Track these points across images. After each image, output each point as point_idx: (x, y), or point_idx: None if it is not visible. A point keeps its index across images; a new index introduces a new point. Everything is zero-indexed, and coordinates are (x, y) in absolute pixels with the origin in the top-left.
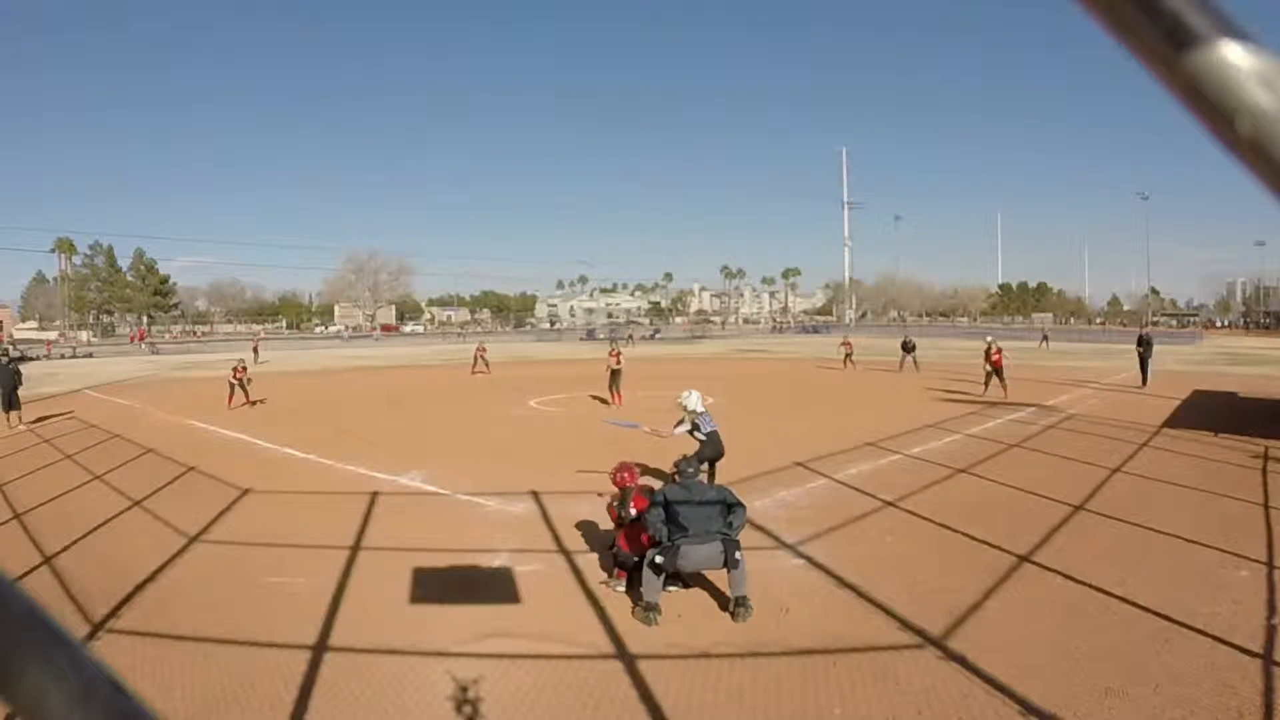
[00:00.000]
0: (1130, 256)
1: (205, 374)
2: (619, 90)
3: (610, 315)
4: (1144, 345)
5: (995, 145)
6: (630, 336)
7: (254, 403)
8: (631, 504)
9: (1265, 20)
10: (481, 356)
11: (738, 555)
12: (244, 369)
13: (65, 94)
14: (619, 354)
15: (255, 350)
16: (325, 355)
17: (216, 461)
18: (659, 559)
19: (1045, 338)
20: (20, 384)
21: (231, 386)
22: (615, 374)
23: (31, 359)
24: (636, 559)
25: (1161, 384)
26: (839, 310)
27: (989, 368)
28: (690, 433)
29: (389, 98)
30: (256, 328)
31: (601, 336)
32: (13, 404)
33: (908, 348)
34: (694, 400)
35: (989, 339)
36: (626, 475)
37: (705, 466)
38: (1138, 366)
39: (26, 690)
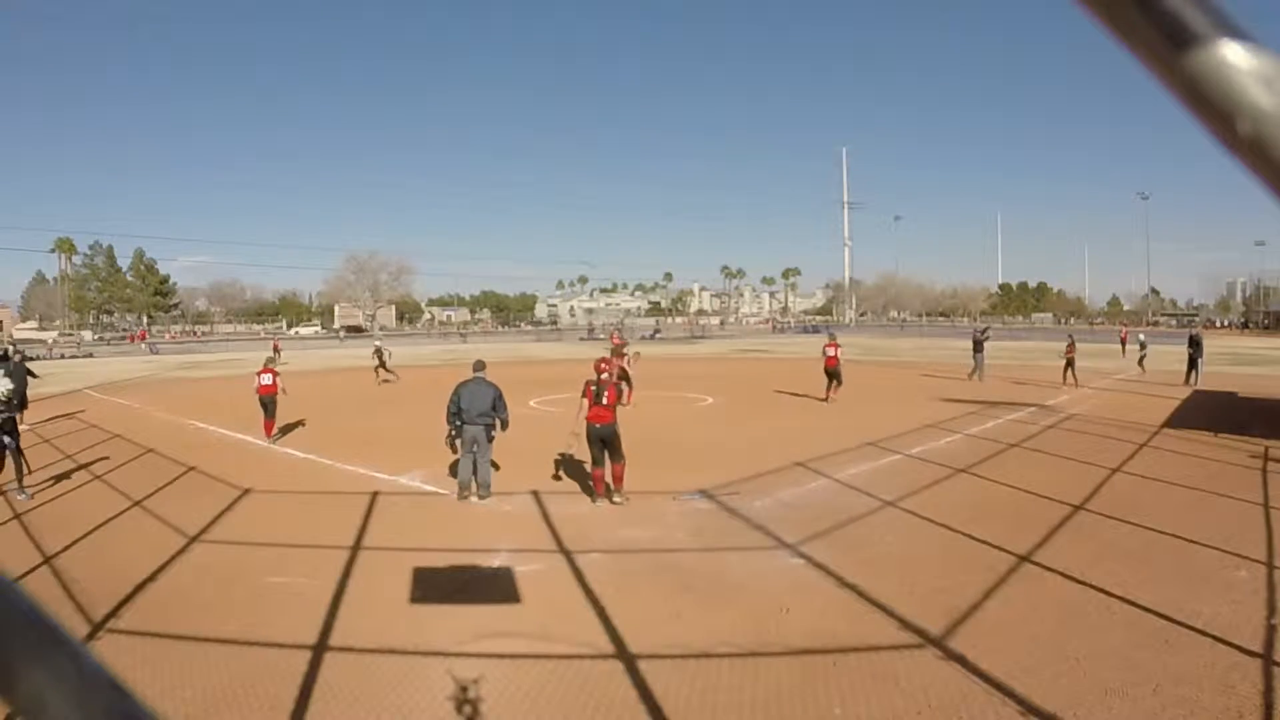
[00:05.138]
0: (1130, 256)
1: (205, 374)
2: (619, 90)
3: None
4: (1194, 345)
5: (995, 145)
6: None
7: (283, 429)
8: (605, 391)
9: (1265, 20)
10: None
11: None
12: (277, 373)
13: (65, 94)
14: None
15: (276, 349)
16: (324, 355)
17: (217, 461)
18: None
19: (1143, 344)
20: (27, 384)
21: (266, 405)
22: (624, 375)
23: (31, 359)
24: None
25: (1162, 384)
26: (839, 310)
27: (827, 370)
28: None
29: (389, 97)
30: (258, 328)
31: (601, 336)
32: (23, 403)
33: (981, 345)
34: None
35: (830, 333)
36: (605, 365)
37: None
38: (1186, 365)
39: (26, 690)
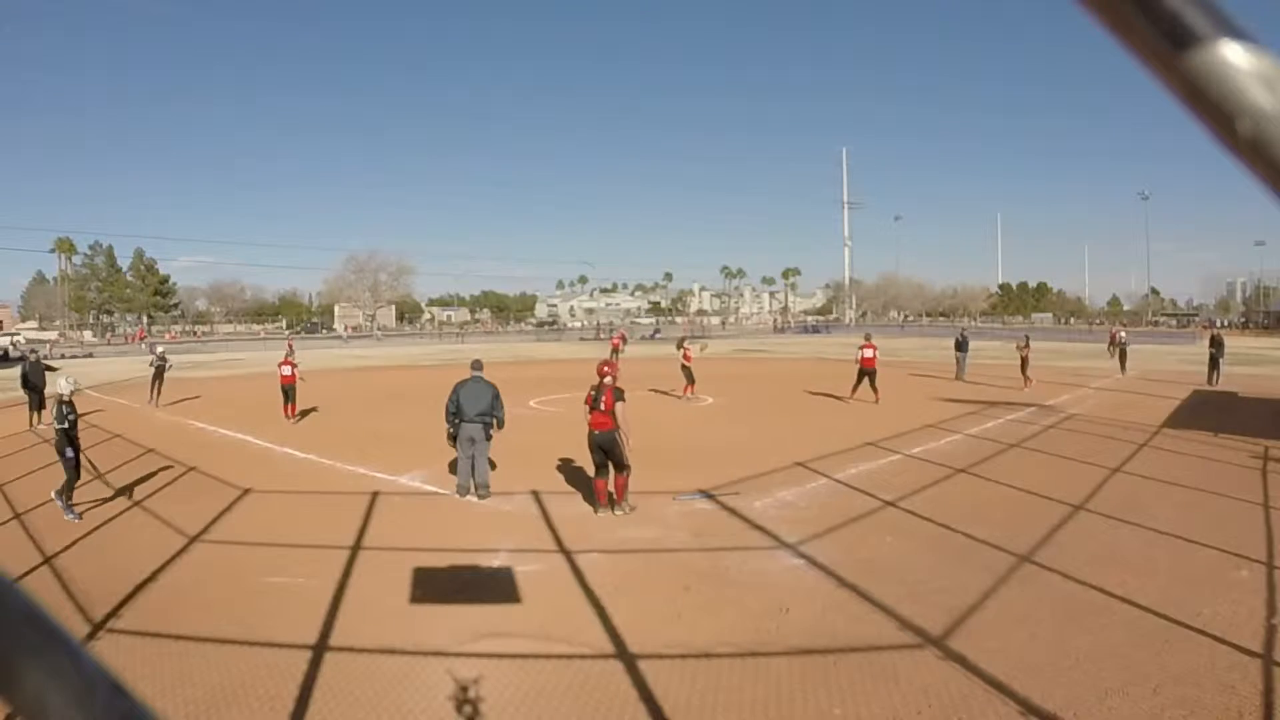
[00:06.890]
0: (1130, 256)
1: (206, 374)
2: (619, 89)
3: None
4: (1216, 345)
5: (995, 145)
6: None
7: (302, 413)
8: (603, 396)
9: (1265, 20)
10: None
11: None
12: (295, 364)
13: (65, 94)
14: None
15: (290, 348)
16: (324, 355)
17: (217, 461)
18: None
19: (1123, 343)
20: (45, 382)
21: (286, 392)
22: (686, 369)
23: (47, 358)
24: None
25: (1161, 383)
26: (839, 310)
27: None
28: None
29: (389, 97)
30: (258, 328)
31: (604, 337)
32: (43, 403)
33: (963, 347)
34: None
35: (866, 332)
36: (608, 369)
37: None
38: (1208, 365)
39: (26, 690)
